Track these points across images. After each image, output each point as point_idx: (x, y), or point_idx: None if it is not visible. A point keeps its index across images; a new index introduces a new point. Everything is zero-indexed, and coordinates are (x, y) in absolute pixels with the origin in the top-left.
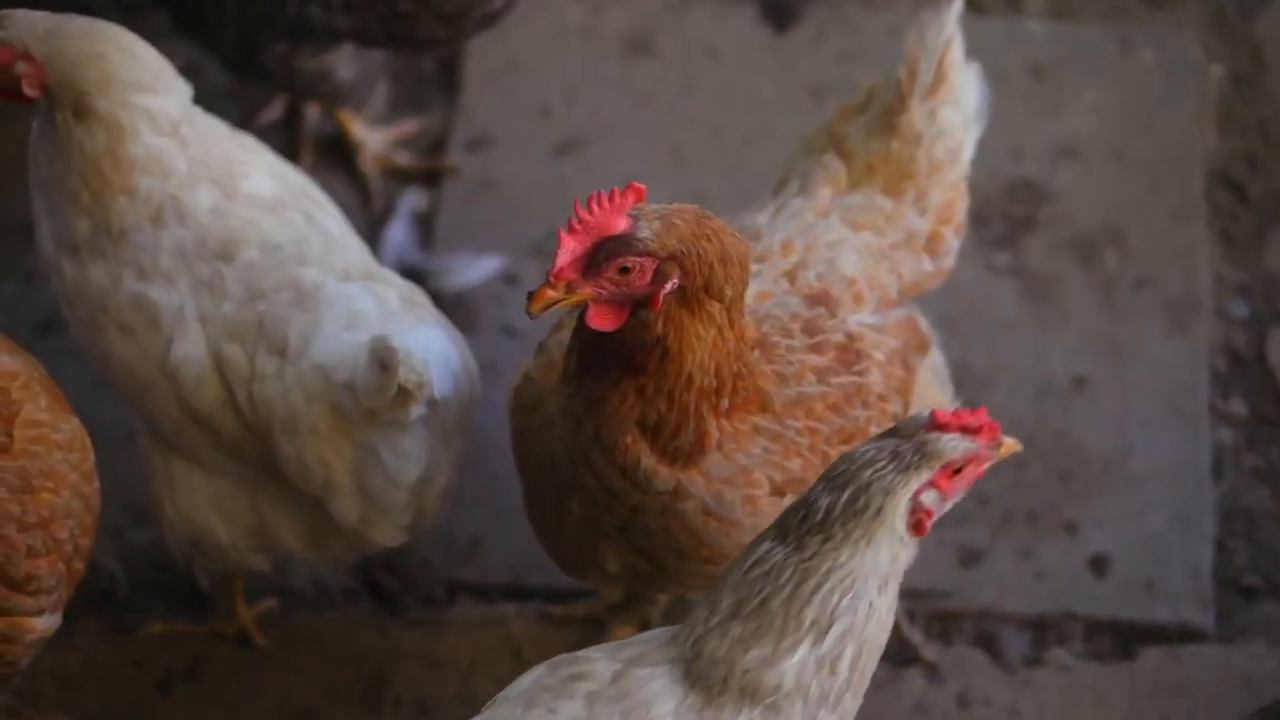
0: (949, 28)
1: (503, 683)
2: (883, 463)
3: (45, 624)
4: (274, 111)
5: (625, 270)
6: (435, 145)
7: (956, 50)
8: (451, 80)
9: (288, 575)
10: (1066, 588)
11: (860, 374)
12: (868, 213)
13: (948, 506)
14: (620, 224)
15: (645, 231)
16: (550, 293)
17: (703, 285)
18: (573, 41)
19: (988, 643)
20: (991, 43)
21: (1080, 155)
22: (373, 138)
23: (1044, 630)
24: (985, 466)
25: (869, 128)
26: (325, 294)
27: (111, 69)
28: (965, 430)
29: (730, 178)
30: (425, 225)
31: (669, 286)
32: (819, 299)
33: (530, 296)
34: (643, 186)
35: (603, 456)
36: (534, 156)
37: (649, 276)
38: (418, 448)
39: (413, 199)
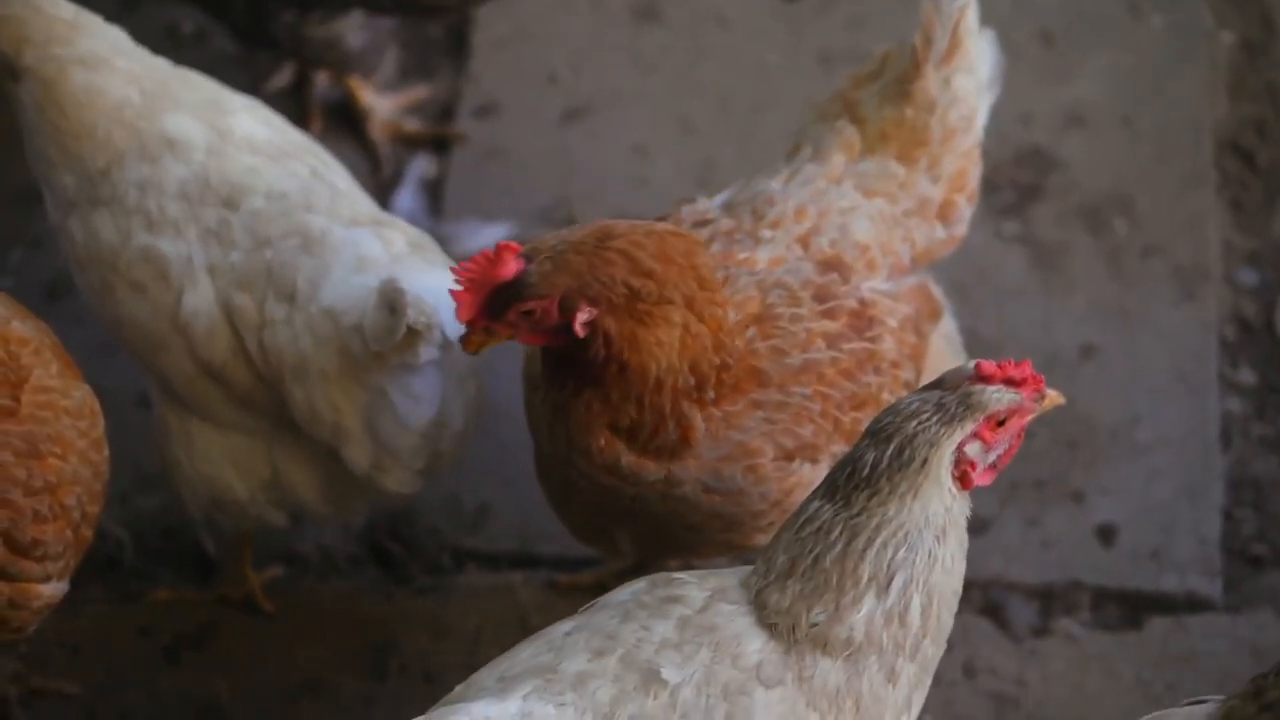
0: None
1: None
2: (927, 414)
3: (52, 590)
4: (282, 78)
5: (528, 314)
6: (444, 112)
7: (971, 17)
8: (460, 47)
9: (295, 542)
10: (1073, 557)
11: (873, 340)
12: (881, 179)
13: (991, 458)
14: (508, 270)
15: (533, 276)
16: (473, 338)
17: (630, 300)
18: (581, 8)
19: (995, 612)
20: (1001, 9)
21: (1089, 122)
22: (381, 104)
23: (1051, 600)
24: (1029, 419)
25: (883, 94)
26: (332, 239)
27: (21, 30)
28: (1009, 382)
29: (738, 145)
30: (434, 192)
31: (584, 316)
32: (832, 265)
33: (462, 341)
34: (516, 245)
35: (582, 459)
36: (542, 124)
37: (555, 313)
38: (429, 390)
39: (421, 165)
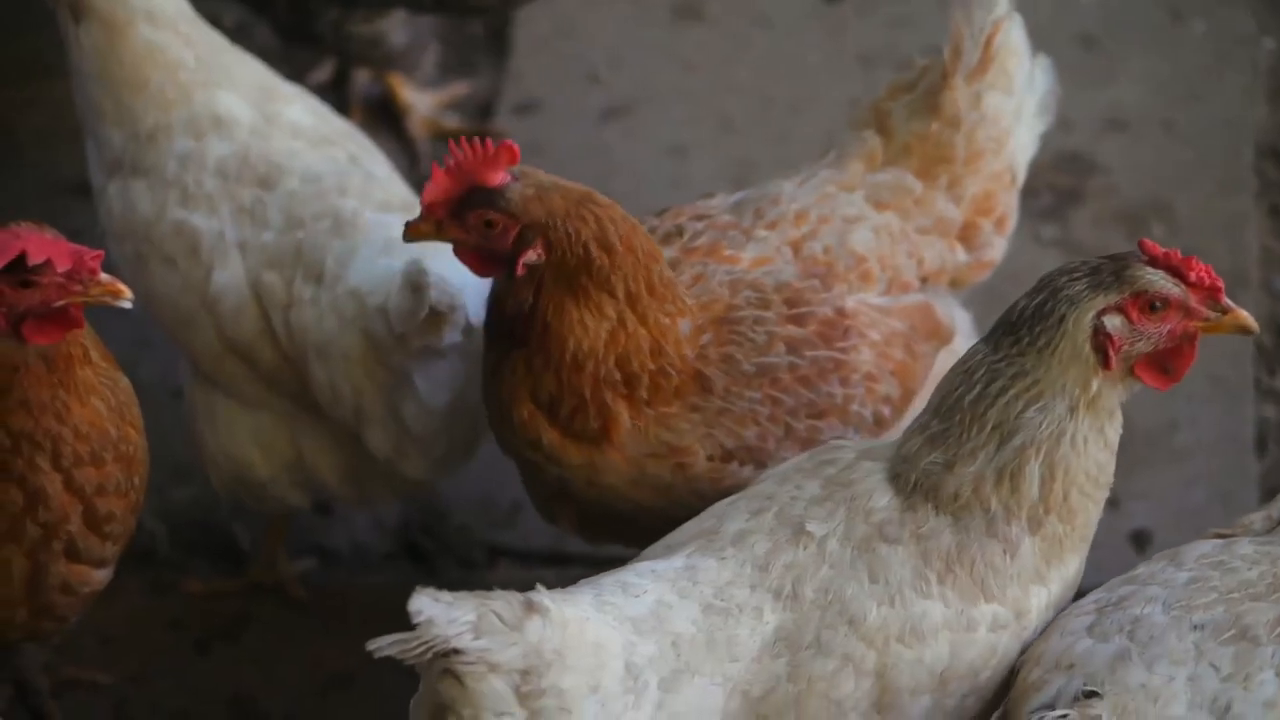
0: (999, 8)
1: None
2: (1079, 275)
3: (102, 577)
4: (323, 73)
5: (489, 224)
6: (484, 109)
7: (1013, 36)
8: (501, 44)
9: (328, 537)
10: (1108, 562)
11: (844, 350)
12: (895, 193)
13: (1140, 347)
14: (495, 178)
15: (513, 192)
16: (422, 226)
17: (579, 267)
18: (622, 7)
19: None
20: (1042, 12)
21: (1129, 126)
22: (422, 101)
23: None
24: (1197, 327)
25: (912, 106)
26: (362, 222)
27: None
28: (1172, 269)
29: (777, 146)
30: None
31: (530, 255)
32: (815, 271)
33: (405, 227)
34: (516, 148)
35: (508, 429)
36: (581, 122)
37: (511, 238)
38: (451, 375)
39: None
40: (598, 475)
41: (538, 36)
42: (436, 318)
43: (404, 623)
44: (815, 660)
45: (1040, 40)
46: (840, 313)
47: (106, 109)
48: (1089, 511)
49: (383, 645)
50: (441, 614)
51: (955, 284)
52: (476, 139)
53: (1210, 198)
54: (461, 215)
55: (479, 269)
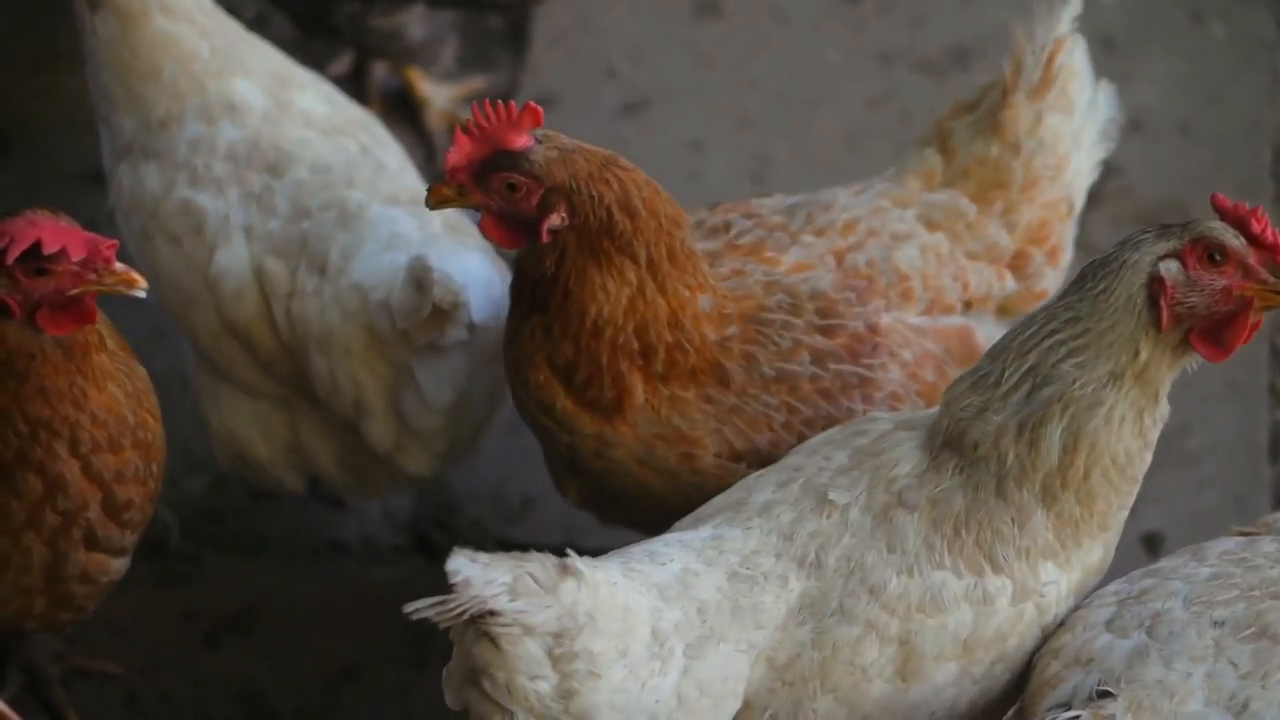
0: (1061, 26)
1: None
2: (1152, 229)
3: (120, 566)
4: (341, 65)
5: (512, 188)
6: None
7: (1076, 57)
8: (519, 38)
9: (339, 531)
10: (1119, 564)
11: (869, 367)
12: (948, 215)
13: (1192, 300)
14: (519, 141)
15: (538, 155)
16: (445, 190)
17: (601, 231)
18: (641, 2)
19: None
20: None
21: (1147, 128)
22: (440, 94)
23: None
24: (1254, 291)
25: (975, 126)
26: (369, 215)
27: None
28: (1238, 220)
29: (794, 143)
30: None
31: (554, 219)
32: (853, 284)
33: (429, 190)
34: (540, 110)
35: (524, 392)
36: (599, 116)
37: (535, 202)
38: (454, 372)
39: None
40: (606, 448)
41: (556, 31)
42: (440, 315)
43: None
44: (839, 627)
45: None
46: (872, 329)
47: (119, 97)
48: (1110, 500)
49: (420, 608)
50: (479, 575)
51: (1003, 311)
52: (500, 101)
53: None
54: (485, 179)
55: (505, 239)
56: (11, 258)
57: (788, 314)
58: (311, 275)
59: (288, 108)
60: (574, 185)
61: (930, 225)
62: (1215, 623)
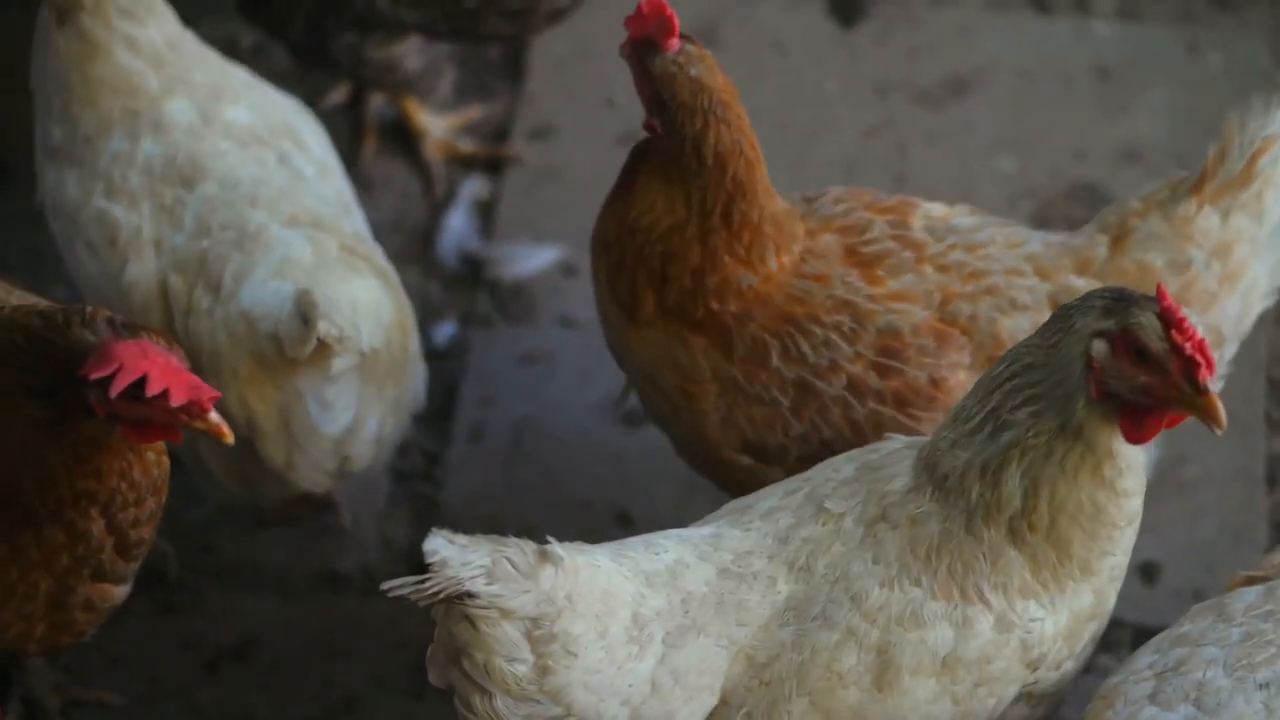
0: (1275, 125)
1: None
2: (1109, 294)
3: (122, 593)
4: (338, 95)
5: (644, 69)
6: (498, 133)
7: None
8: (517, 68)
9: (337, 561)
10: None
11: (914, 418)
12: None
13: (1117, 388)
14: (668, 41)
15: (663, 60)
16: (624, 47)
17: (672, 156)
18: None
19: None
20: (1058, 43)
21: (1144, 158)
22: (437, 124)
23: None
24: (1169, 398)
25: (1151, 234)
26: (265, 237)
27: None
28: (1166, 323)
29: (792, 172)
30: (486, 213)
31: (653, 120)
32: (940, 333)
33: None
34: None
35: (618, 215)
36: (597, 146)
37: (648, 96)
38: (344, 397)
39: (474, 186)
40: (625, 340)
41: (554, 60)
42: (324, 348)
43: (412, 647)
44: (820, 632)
45: (1057, 71)
46: (936, 382)
47: (54, 106)
48: (1089, 546)
49: (397, 587)
50: (456, 556)
51: None
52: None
53: None
54: (637, 53)
55: (645, 96)
56: (115, 391)
57: (839, 336)
58: (206, 295)
59: (212, 120)
60: (668, 103)
61: (1054, 308)
62: (1260, 685)
